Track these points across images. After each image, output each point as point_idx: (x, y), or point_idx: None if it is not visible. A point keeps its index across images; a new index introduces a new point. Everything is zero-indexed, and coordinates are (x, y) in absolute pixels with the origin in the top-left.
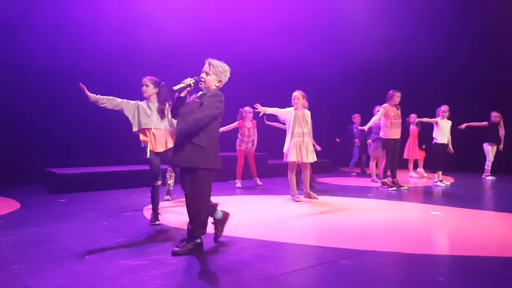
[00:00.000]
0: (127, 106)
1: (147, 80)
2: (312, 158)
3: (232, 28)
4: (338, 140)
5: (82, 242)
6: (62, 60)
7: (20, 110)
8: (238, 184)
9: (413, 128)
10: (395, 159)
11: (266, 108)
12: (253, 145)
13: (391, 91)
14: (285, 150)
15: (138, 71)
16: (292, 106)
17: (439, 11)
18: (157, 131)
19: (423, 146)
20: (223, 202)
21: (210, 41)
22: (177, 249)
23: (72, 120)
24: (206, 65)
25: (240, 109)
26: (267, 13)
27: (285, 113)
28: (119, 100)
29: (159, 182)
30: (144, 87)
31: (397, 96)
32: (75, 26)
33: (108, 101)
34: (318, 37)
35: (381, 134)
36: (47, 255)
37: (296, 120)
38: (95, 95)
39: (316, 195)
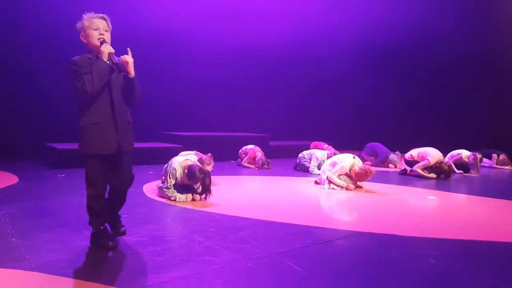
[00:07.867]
0: None
1: None
2: None
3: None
4: None
5: (81, 217)
6: (64, 36)
7: (21, 84)
8: None
9: None
10: None
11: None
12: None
13: None
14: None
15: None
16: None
17: None
18: None
19: None
20: (225, 181)
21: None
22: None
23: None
24: (106, 22)
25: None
26: None
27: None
28: None
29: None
30: None
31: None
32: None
33: None
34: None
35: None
36: (46, 229)
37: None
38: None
39: None
